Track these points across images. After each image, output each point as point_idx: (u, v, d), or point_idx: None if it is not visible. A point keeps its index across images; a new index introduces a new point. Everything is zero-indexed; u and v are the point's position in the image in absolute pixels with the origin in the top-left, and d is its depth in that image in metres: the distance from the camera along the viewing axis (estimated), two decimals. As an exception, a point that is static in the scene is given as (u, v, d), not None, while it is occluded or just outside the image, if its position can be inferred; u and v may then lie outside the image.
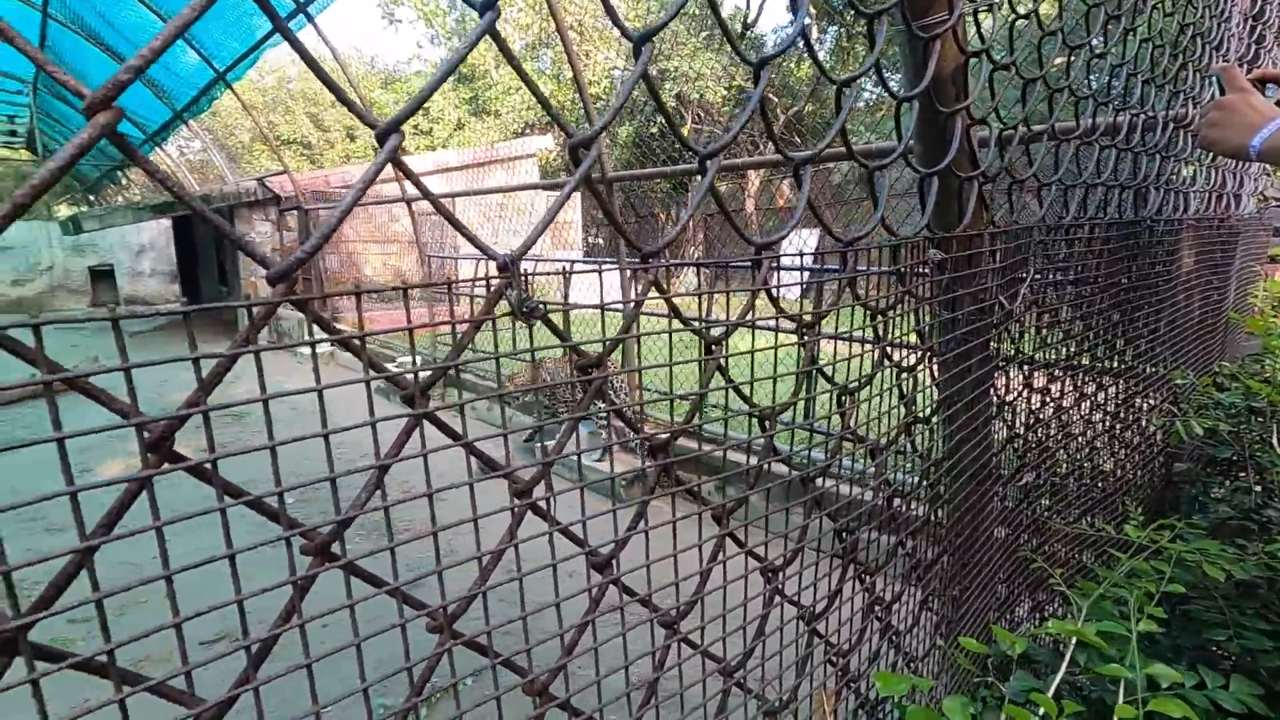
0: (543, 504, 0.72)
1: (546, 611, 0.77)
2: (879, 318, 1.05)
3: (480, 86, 21.20)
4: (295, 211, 10.36)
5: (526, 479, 0.70)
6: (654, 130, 17.63)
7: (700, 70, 15.10)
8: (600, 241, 18.51)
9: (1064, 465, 1.67)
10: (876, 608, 1.09)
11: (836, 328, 3.91)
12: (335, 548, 0.59)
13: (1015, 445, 1.48)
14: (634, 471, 1.51)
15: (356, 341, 0.57)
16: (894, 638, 1.14)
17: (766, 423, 0.91)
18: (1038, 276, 1.43)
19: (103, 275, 16.00)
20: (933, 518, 1.19)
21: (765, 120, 0.86)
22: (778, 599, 0.94)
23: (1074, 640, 0.96)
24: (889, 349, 1.05)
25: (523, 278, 0.66)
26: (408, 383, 0.60)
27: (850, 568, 1.03)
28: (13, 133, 19.32)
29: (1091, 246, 1.62)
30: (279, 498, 0.56)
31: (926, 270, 1.12)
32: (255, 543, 0.57)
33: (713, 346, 0.87)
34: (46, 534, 3.71)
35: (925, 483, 1.17)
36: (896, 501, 1.12)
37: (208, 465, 0.52)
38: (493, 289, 0.64)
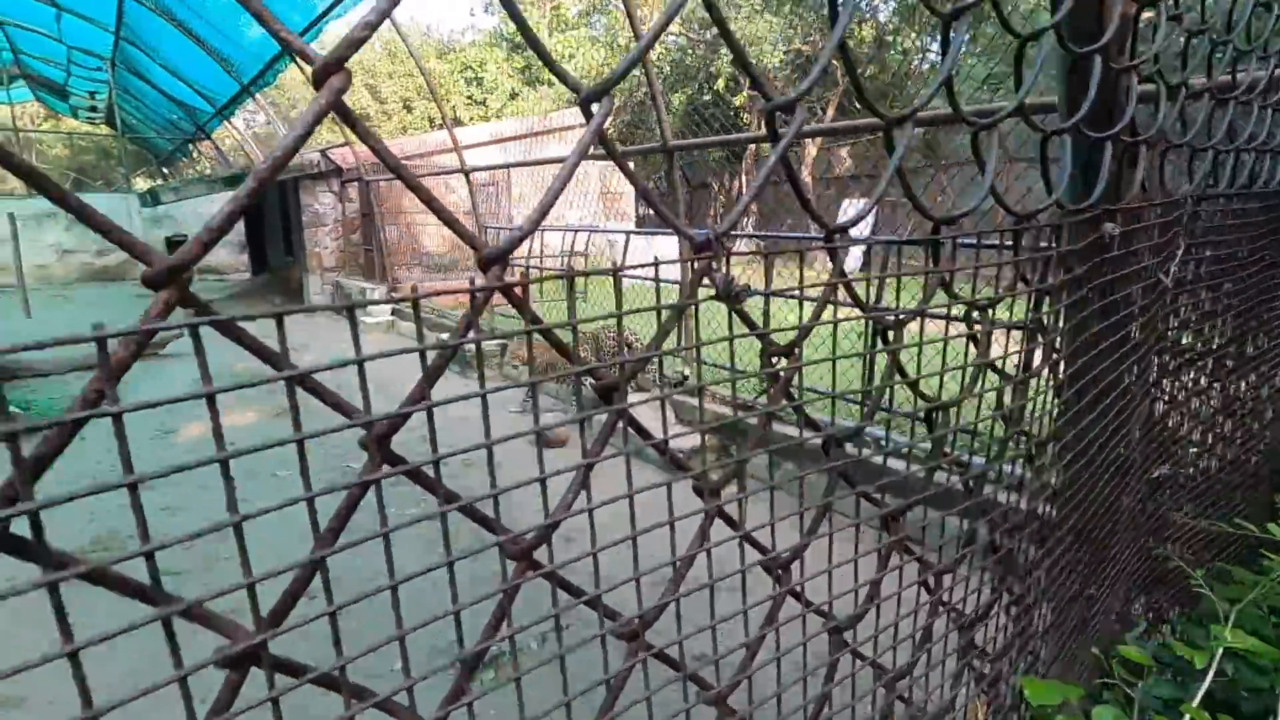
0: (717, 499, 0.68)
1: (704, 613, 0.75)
2: (1046, 303, 0.92)
3: (533, 55, 21.10)
4: (356, 183, 10.58)
5: (714, 479, 0.66)
6: (707, 98, 17.26)
7: (759, 33, 14.64)
8: (650, 212, 18.37)
9: (1208, 458, 1.55)
10: (1015, 611, 1.02)
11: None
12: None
13: (1160, 437, 1.37)
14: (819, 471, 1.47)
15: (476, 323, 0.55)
16: (1030, 641, 1.07)
17: (935, 421, 0.83)
18: (1190, 253, 1.29)
19: (178, 245, 16.74)
20: (1073, 517, 1.11)
21: (851, 74, 0.76)
22: (939, 608, 0.88)
23: (1220, 648, 0.89)
24: (1053, 340, 0.94)
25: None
26: (606, 374, 0.57)
27: (1002, 575, 0.96)
28: (93, 108, 20.28)
29: (1247, 219, 1.47)
30: (494, 502, 0.55)
31: (1082, 249, 1.00)
32: (468, 550, 0.57)
33: (888, 335, 0.80)
34: (162, 513, 3.93)
35: (1070, 481, 1.07)
36: (1045, 507, 1.02)
37: (427, 468, 0.51)
38: (697, 269, 0.59)
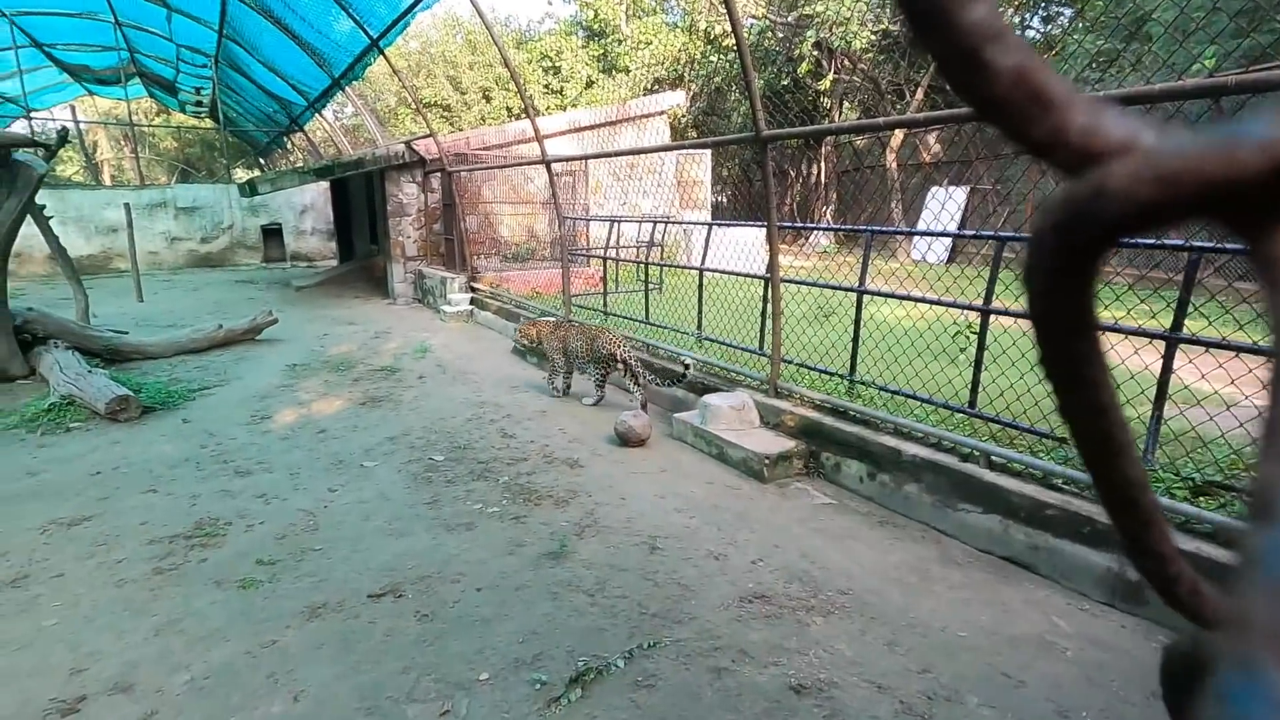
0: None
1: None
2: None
3: (610, 43, 21.03)
4: (439, 174, 10.80)
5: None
6: (786, 82, 16.74)
7: (844, 13, 14.05)
8: (724, 200, 18.03)
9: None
10: None
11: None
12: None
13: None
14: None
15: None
16: None
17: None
18: None
19: (272, 233, 17.66)
20: None
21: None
22: None
23: None
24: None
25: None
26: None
27: None
28: (199, 103, 21.58)
29: None
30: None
31: None
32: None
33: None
34: (236, 476, 4.13)
35: None
36: None
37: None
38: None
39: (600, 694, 2.26)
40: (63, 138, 6.86)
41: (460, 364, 6.90)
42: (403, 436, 4.74)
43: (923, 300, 3.95)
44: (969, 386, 3.71)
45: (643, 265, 7.36)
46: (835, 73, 16.23)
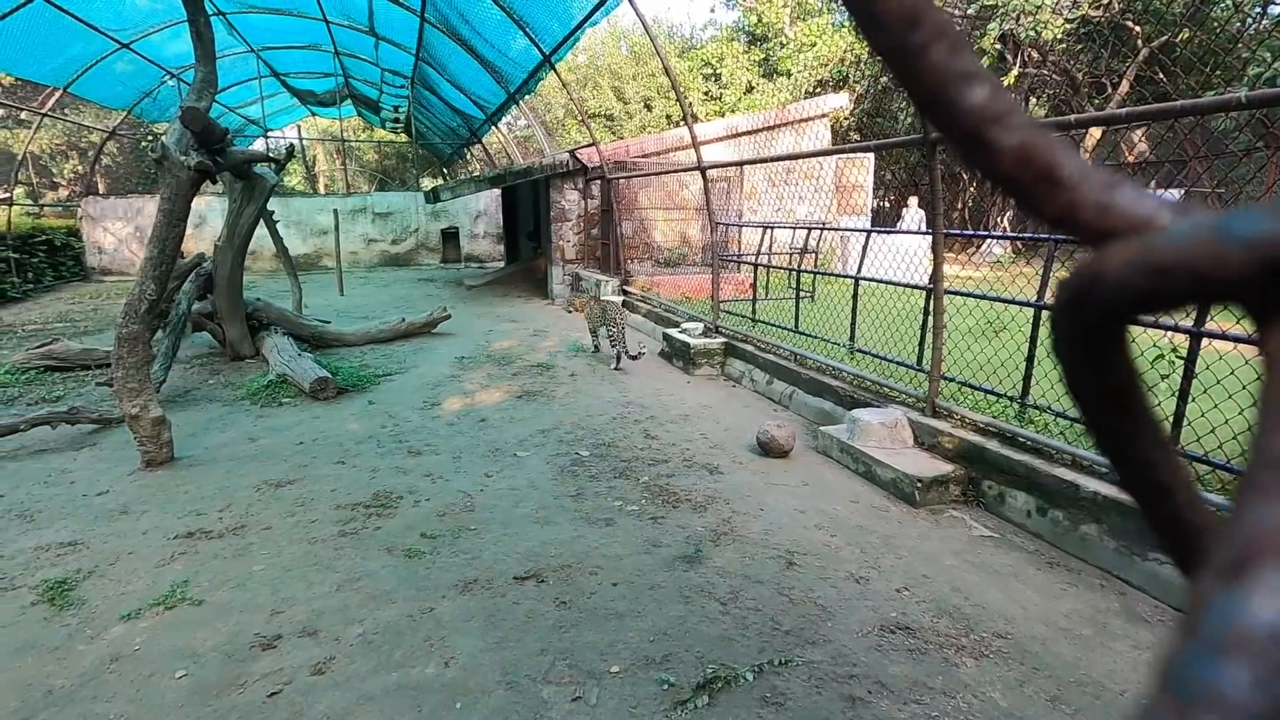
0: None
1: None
2: None
3: (772, 47, 20.76)
4: (599, 181, 11.27)
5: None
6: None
7: (1038, 1, 12.82)
8: (886, 205, 17.11)
9: None
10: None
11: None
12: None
13: None
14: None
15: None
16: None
17: None
18: None
19: (450, 237, 19.35)
20: None
21: None
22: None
23: None
24: None
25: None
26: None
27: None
28: (396, 119, 24.16)
29: None
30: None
31: None
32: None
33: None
34: (409, 455, 4.59)
35: None
36: None
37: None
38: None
39: (727, 704, 2.24)
40: (290, 153, 7.99)
41: (610, 365, 7.15)
42: (553, 430, 5.00)
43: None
44: (1170, 419, 3.24)
45: (794, 272, 7.18)
46: (1021, 66, 14.85)
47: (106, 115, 17.76)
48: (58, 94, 13.11)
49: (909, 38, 0.27)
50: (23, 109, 16.11)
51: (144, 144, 19.67)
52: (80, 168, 23.11)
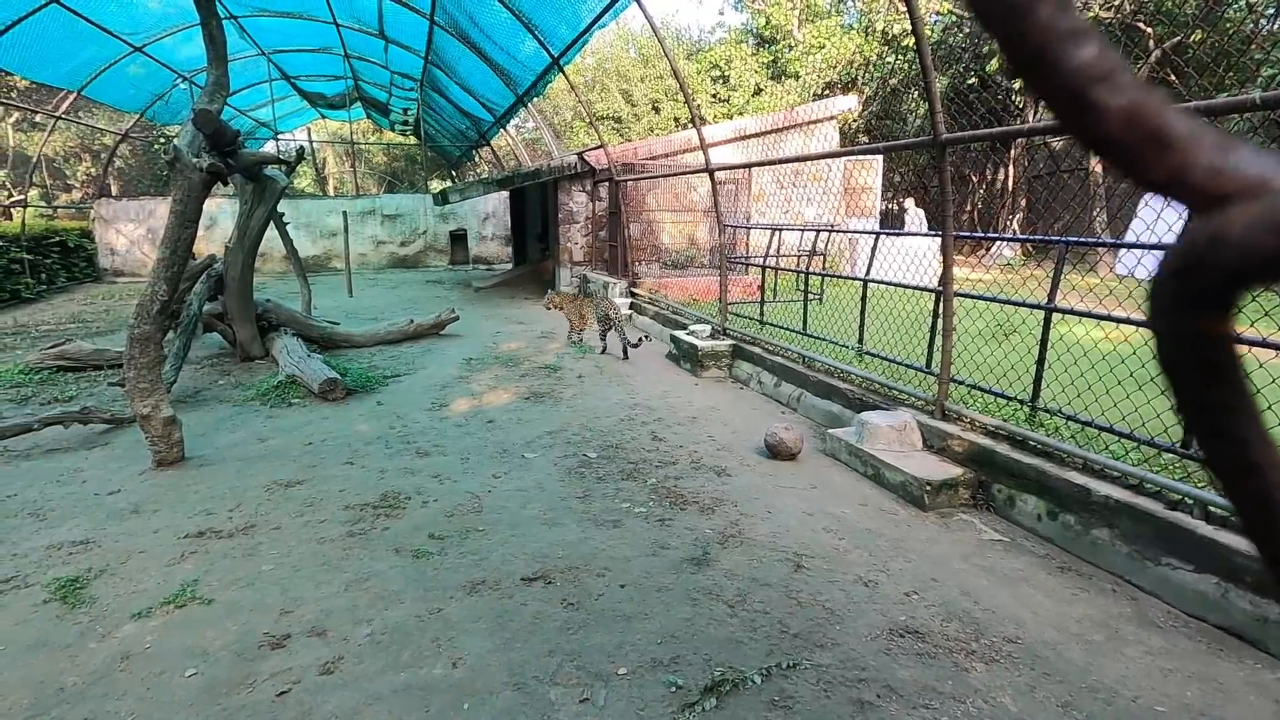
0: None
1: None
2: None
3: (780, 49, 20.75)
4: (607, 183, 11.28)
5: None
6: (971, 81, 15.53)
7: None
8: (894, 208, 17.05)
9: None
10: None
11: None
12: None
13: None
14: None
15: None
16: None
17: None
18: None
19: (458, 238, 19.41)
20: None
21: None
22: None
23: None
24: None
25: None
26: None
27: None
28: (405, 122, 24.28)
29: None
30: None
31: None
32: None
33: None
34: (417, 456, 4.61)
35: None
36: None
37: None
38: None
39: (734, 707, 2.24)
40: (300, 155, 8.03)
41: (616, 366, 7.15)
42: (560, 432, 5.00)
43: (1127, 321, 3.47)
44: (1183, 423, 3.20)
45: (803, 274, 7.17)
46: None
47: (119, 118, 17.96)
48: (72, 97, 13.24)
49: None
50: (37, 112, 16.30)
51: (156, 146, 19.86)
52: (93, 170, 23.36)
